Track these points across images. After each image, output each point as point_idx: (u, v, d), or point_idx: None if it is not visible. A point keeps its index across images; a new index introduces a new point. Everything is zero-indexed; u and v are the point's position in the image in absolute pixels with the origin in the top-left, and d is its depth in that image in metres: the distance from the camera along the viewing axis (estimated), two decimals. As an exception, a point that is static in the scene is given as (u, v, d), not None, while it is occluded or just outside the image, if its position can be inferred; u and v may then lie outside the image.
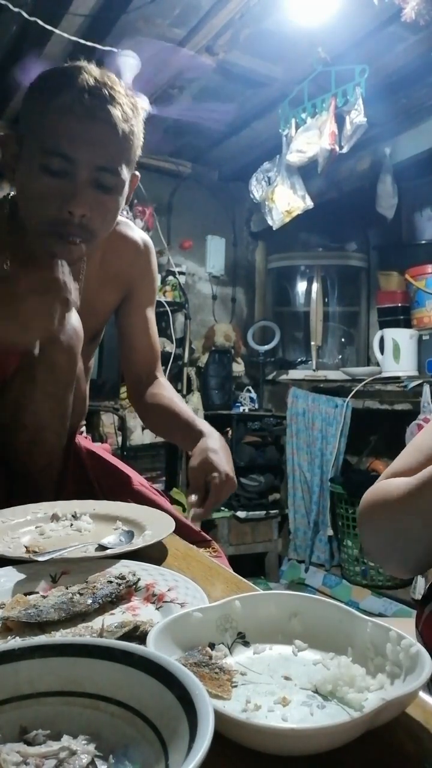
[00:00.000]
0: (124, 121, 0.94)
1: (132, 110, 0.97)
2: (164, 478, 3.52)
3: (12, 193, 1.09)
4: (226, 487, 0.97)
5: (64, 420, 1.06)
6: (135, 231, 1.25)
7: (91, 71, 0.94)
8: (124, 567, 0.71)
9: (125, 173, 0.99)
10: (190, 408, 1.26)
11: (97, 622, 0.58)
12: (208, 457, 1.00)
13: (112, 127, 0.93)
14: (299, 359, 3.85)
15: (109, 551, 0.75)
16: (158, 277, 1.32)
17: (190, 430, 1.13)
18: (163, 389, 1.28)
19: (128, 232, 1.23)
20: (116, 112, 0.93)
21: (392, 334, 3.02)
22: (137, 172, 1.07)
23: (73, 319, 1.02)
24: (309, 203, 3.02)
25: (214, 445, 1.04)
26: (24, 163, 0.96)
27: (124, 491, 1.17)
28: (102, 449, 1.30)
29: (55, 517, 0.89)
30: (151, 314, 1.31)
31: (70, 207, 0.92)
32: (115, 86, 0.94)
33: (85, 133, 0.92)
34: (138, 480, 1.23)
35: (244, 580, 0.75)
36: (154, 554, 0.79)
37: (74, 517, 0.90)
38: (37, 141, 0.93)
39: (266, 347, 3.83)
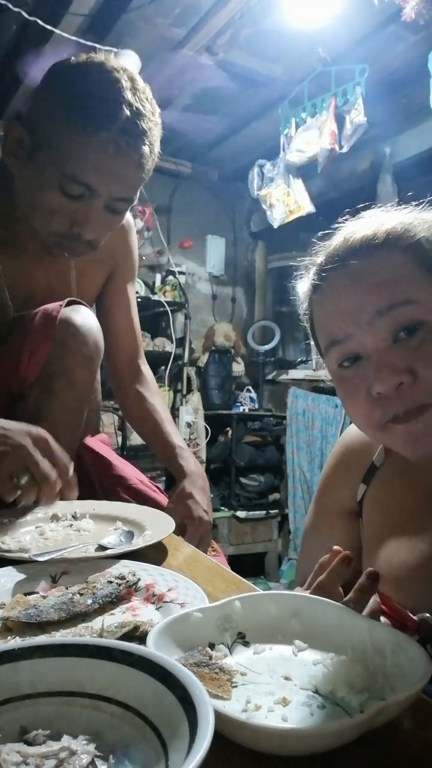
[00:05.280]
0: (150, 154, 0.96)
1: (155, 128, 0.97)
2: (164, 478, 3.52)
3: None
4: (200, 529, 1.07)
5: (76, 431, 1.07)
6: None
7: (126, 94, 0.91)
8: (124, 567, 0.71)
9: (136, 196, 1.02)
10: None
11: (97, 622, 0.58)
12: (185, 503, 1.10)
13: (139, 165, 0.95)
14: (299, 359, 3.85)
15: (109, 551, 0.75)
16: (137, 254, 1.34)
17: (170, 458, 1.21)
18: (148, 390, 1.31)
19: None
20: (146, 150, 0.95)
21: (392, 333, 3.02)
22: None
23: (95, 331, 1.03)
24: (311, 207, 3.02)
25: (191, 489, 1.13)
26: (36, 170, 0.96)
27: (123, 489, 1.17)
28: (98, 441, 1.29)
29: (55, 517, 0.89)
30: (131, 291, 1.32)
31: (81, 231, 0.96)
32: (146, 108, 0.94)
33: (113, 169, 0.93)
34: (138, 478, 1.23)
35: (244, 580, 0.75)
36: (154, 554, 0.79)
37: (74, 517, 0.90)
38: (59, 159, 0.93)
39: (266, 347, 3.83)
